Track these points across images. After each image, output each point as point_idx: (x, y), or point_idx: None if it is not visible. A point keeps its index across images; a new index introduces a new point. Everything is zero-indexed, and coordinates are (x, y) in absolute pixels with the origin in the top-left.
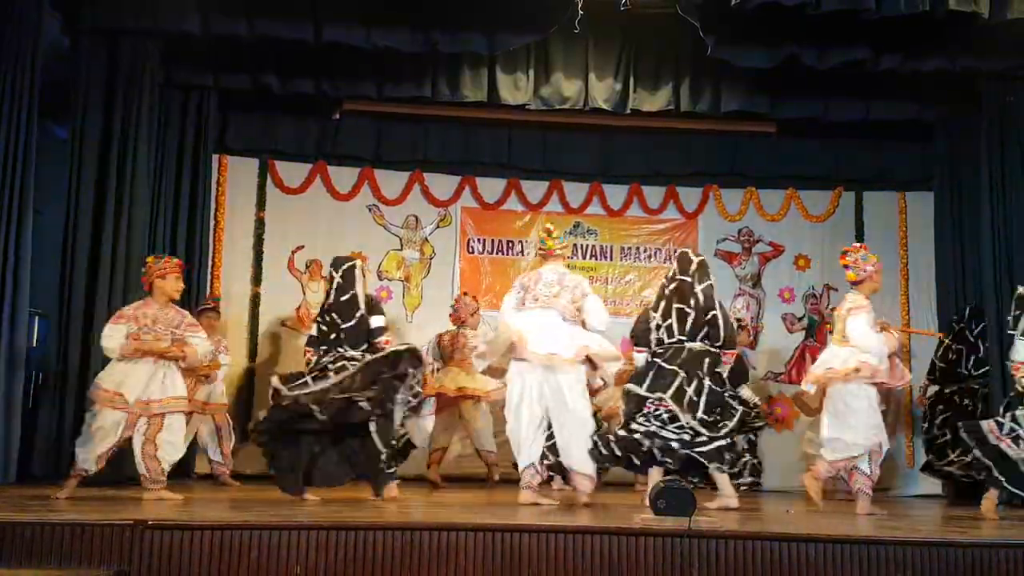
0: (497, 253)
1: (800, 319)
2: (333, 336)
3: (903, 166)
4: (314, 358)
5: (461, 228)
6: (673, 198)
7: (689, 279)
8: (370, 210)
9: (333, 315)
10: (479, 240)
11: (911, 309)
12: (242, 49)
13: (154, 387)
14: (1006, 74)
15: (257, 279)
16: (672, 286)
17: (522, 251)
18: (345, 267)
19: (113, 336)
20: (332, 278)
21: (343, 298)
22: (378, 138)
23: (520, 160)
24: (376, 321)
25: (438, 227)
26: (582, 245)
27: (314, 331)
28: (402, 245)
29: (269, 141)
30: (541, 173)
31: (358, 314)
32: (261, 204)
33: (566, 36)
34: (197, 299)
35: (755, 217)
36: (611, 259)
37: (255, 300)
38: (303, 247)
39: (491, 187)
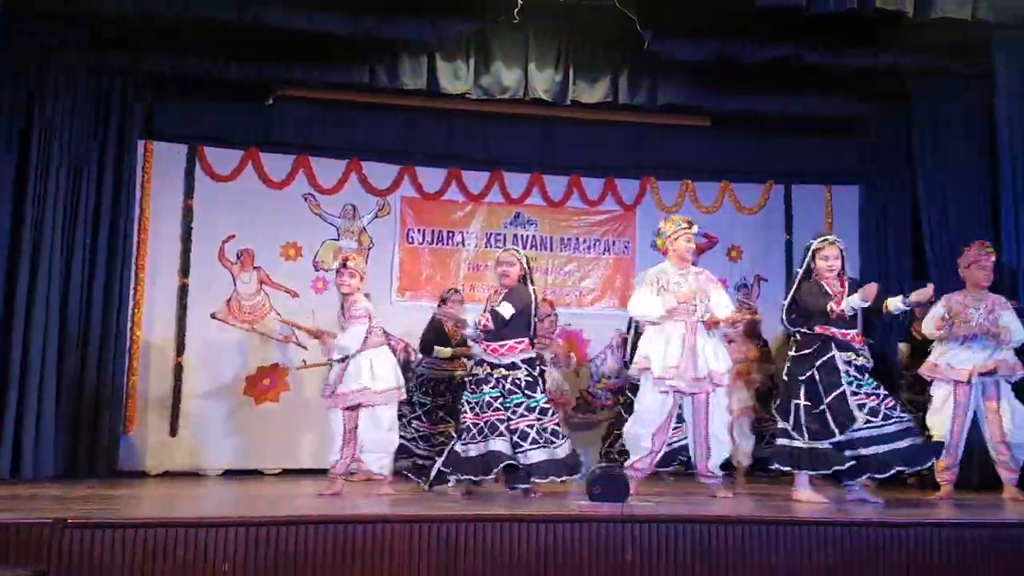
0: (437, 244)
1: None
2: None
3: (831, 160)
4: None
5: (401, 218)
6: (612, 190)
7: None
8: (305, 199)
9: None
10: (419, 230)
11: None
12: (171, 32)
13: None
14: (928, 71)
15: (185, 270)
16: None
17: (462, 242)
18: None
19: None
20: None
21: None
22: (314, 125)
23: (461, 150)
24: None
25: (377, 217)
26: (522, 236)
27: None
28: (339, 235)
29: (199, 127)
30: (482, 163)
31: None
32: (189, 192)
33: (507, 26)
34: (120, 291)
35: (691, 209)
36: (551, 250)
37: (183, 291)
38: (234, 236)
39: (431, 177)
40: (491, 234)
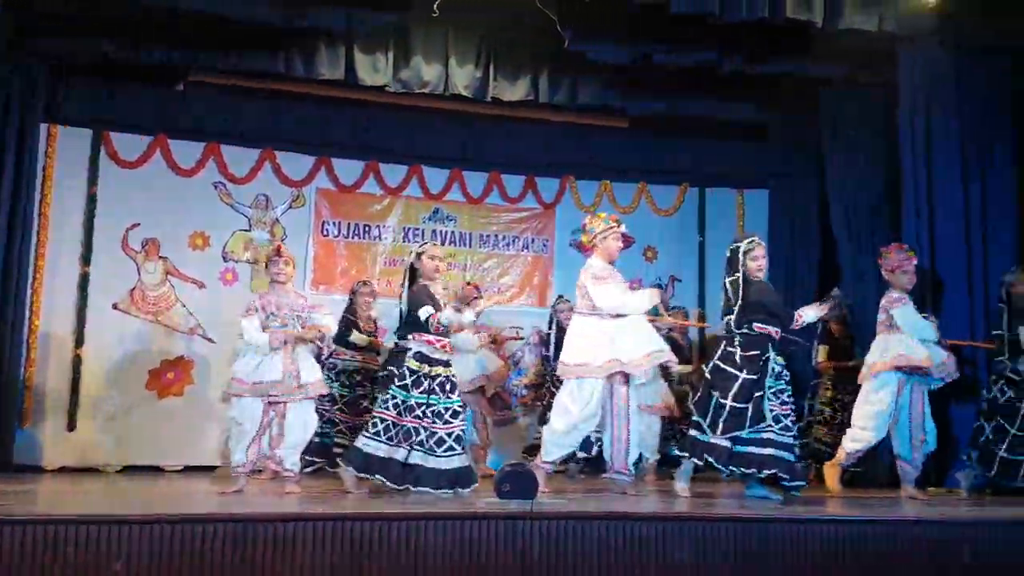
0: (353, 237)
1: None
2: None
3: (743, 164)
4: None
5: (316, 210)
6: (532, 187)
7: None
8: (216, 187)
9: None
10: (334, 223)
11: None
12: (77, 13)
13: None
14: (837, 80)
15: (87, 258)
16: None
17: (379, 236)
18: None
19: None
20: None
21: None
22: (227, 112)
23: (379, 142)
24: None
25: (290, 208)
26: (441, 231)
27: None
28: (251, 225)
29: (106, 111)
30: (401, 157)
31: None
32: (93, 178)
33: (426, 20)
34: (18, 280)
35: (608, 209)
36: (470, 246)
37: (84, 281)
38: (138, 225)
39: (348, 169)
40: (409, 229)
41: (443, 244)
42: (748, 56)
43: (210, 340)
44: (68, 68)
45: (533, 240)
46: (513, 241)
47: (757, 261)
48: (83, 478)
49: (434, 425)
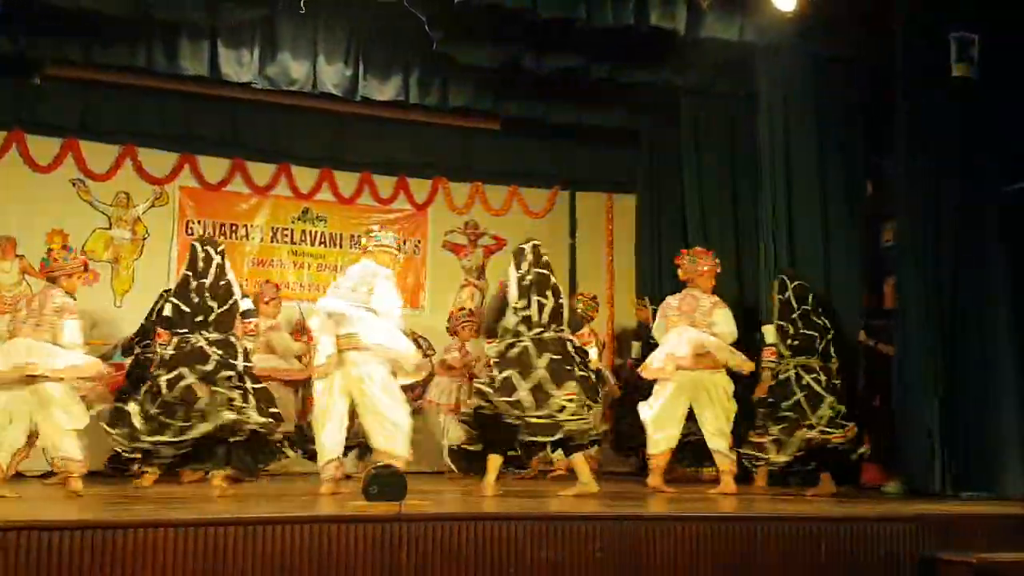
0: (220, 236)
1: None
2: (199, 319)
3: (612, 169)
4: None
5: (180, 208)
6: (404, 189)
7: (546, 271)
8: (74, 184)
9: (205, 296)
10: (200, 222)
11: (615, 304)
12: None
13: None
14: (699, 88)
15: None
16: (530, 277)
17: (247, 235)
18: (220, 248)
19: None
20: (208, 257)
21: (221, 281)
22: (85, 107)
23: (246, 140)
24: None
25: (153, 206)
26: (311, 232)
27: (168, 311)
28: (111, 224)
29: None
30: (269, 155)
31: (232, 299)
32: None
33: (293, 15)
34: None
35: (480, 211)
36: (341, 247)
37: None
38: None
39: (214, 167)
40: (277, 229)
41: (313, 245)
42: (614, 63)
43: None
44: None
45: (405, 242)
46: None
47: None
48: None
49: None
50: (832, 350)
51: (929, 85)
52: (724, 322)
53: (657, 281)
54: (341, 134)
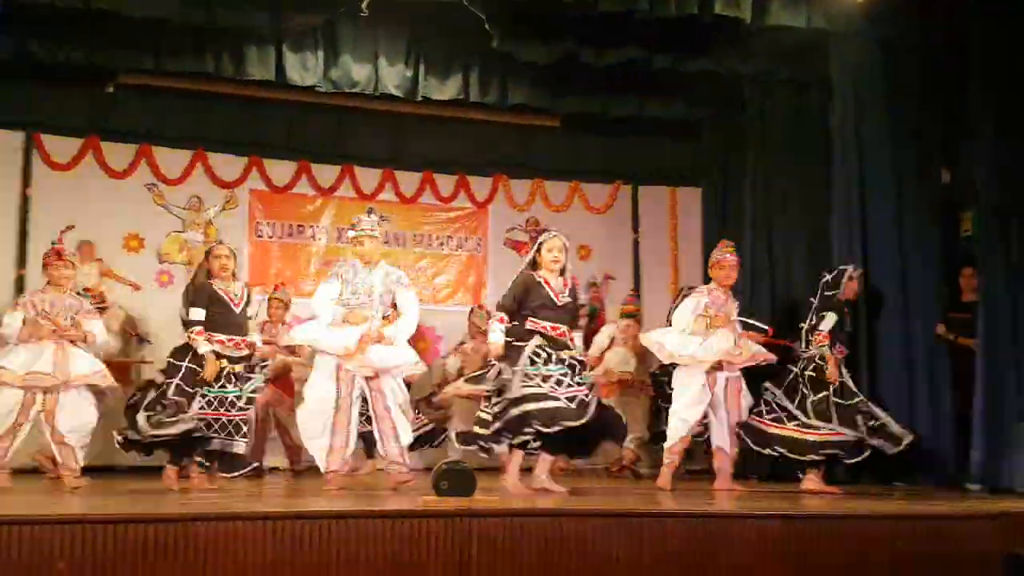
0: (287, 238)
1: (582, 307)
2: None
3: (674, 162)
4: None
5: (249, 211)
6: (464, 187)
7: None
8: (149, 189)
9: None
10: (268, 224)
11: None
12: (6, 14)
13: None
14: (766, 77)
15: (22, 261)
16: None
17: (313, 236)
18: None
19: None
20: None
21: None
22: (157, 113)
23: (311, 143)
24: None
25: (224, 209)
26: None
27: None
28: (184, 227)
29: (35, 113)
30: (333, 157)
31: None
32: (27, 180)
33: (355, 19)
34: None
35: (541, 208)
36: (404, 246)
37: (19, 283)
38: (73, 227)
39: (280, 170)
40: (342, 229)
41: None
42: (677, 54)
43: (147, 341)
44: None
45: (467, 239)
46: (446, 241)
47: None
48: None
49: None
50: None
51: (1008, 66)
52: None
53: None
54: (402, 134)
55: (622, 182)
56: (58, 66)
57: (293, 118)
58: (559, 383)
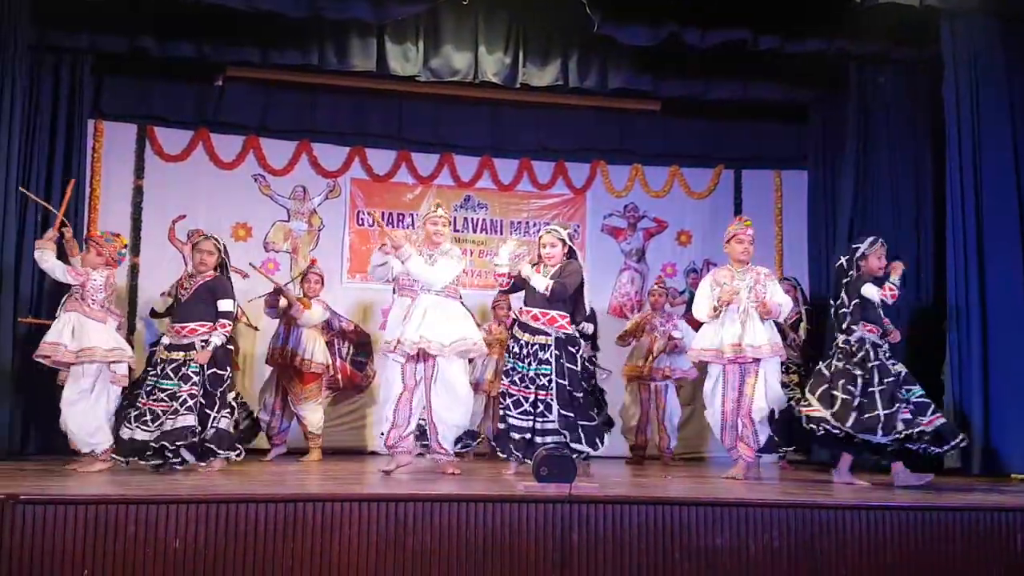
0: (388, 225)
1: (682, 293)
2: None
3: (779, 145)
4: None
5: (351, 200)
6: (562, 173)
7: None
8: (256, 180)
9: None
10: (369, 212)
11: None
12: (117, 10)
13: None
14: (874, 57)
15: (135, 249)
16: None
17: (412, 224)
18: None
19: None
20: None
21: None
22: (263, 106)
23: (411, 132)
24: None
25: (327, 198)
26: (472, 219)
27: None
28: (289, 216)
29: (147, 106)
30: (432, 146)
31: None
32: (139, 171)
33: (455, 8)
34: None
35: (640, 193)
36: (501, 233)
37: (134, 271)
38: (184, 216)
39: (381, 159)
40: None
41: (475, 232)
42: (783, 34)
43: (255, 328)
44: (112, 64)
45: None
46: (544, 228)
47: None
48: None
49: None
50: None
51: None
52: None
53: (828, 259)
54: (500, 122)
55: (724, 166)
56: (169, 61)
57: (393, 107)
58: None
